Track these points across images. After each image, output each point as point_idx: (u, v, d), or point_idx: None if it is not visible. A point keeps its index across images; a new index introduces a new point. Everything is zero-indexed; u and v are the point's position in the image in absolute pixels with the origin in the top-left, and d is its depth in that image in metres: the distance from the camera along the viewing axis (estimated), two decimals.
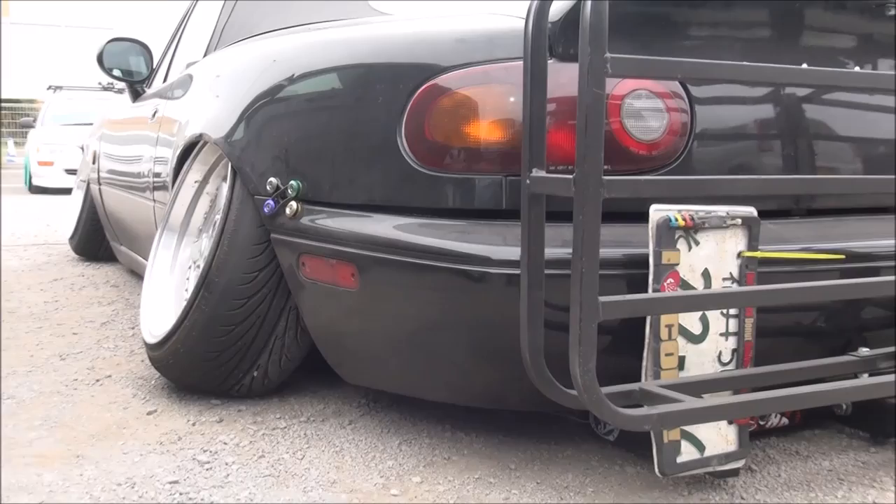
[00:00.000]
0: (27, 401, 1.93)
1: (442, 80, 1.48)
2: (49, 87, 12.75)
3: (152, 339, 1.97)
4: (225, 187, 1.90)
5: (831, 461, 1.59)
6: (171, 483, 1.49)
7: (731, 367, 1.44)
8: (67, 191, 5.02)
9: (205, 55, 2.59)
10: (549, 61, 1.39)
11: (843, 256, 1.48)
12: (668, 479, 1.47)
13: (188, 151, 2.19)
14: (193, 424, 1.78)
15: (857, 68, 1.61)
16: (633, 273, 1.38)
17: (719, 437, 1.42)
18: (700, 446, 1.40)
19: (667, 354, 1.38)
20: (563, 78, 1.37)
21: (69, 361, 2.29)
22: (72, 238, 4.43)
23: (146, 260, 2.28)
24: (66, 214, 4.74)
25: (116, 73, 3.31)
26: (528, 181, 1.25)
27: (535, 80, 1.25)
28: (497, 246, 1.39)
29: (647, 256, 1.37)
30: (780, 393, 1.34)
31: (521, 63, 1.29)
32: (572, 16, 1.36)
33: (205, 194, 2.18)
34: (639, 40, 1.46)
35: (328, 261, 1.61)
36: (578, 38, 1.12)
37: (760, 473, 1.53)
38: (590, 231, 1.13)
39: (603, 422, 1.51)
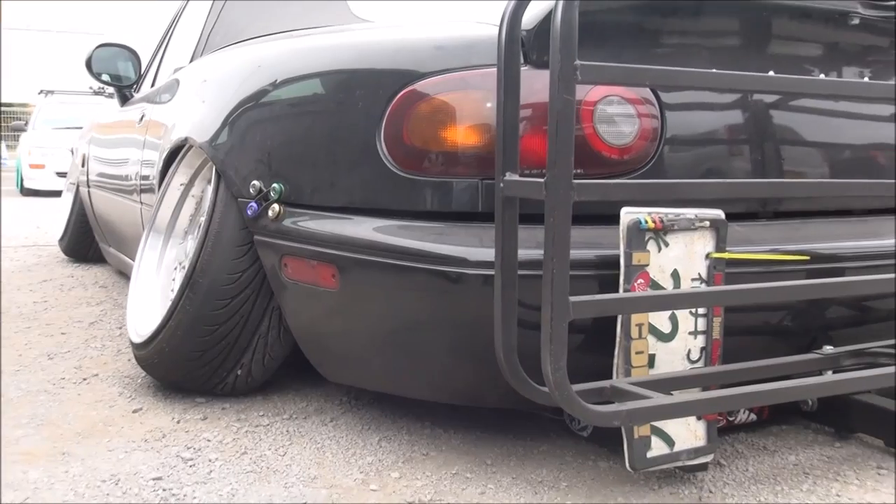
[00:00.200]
0: (15, 399, 1.92)
1: (420, 85, 1.49)
2: (41, 92, 12.67)
3: (138, 339, 1.96)
4: (210, 190, 1.90)
5: (797, 456, 1.61)
6: (154, 479, 1.48)
7: (699, 364, 1.45)
8: (58, 193, 5.00)
9: (191, 60, 2.58)
10: (525, 68, 1.40)
11: (807, 258, 1.50)
12: (639, 473, 1.48)
13: (174, 155, 2.18)
14: (178, 422, 1.78)
15: (821, 76, 1.63)
16: (605, 274, 1.39)
17: (688, 433, 1.43)
18: (670, 442, 1.41)
19: (637, 352, 1.39)
20: (537, 84, 1.38)
21: (57, 361, 2.28)
22: (61, 240, 4.40)
23: (134, 261, 2.27)
24: (56, 216, 4.72)
25: (105, 77, 3.30)
26: (501, 184, 1.26)
27: (508, 87, 1.25)
28: (473, 247, 1.40)
29: (618, 257, 1.38)
30: (747, 389, 1.35)
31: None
32: (545, 24, 1.37)
33: (190, 197, 2.18)
34: (612, 48, 1.47)
35: (309, 262, 1.61)
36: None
37: (729, 468, 1.55)
38: (560, 233, 1.14)
39: (577, 418, 1.52)
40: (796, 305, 1.55)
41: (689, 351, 1.44)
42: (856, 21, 1.51)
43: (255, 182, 1.71)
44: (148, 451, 1.61)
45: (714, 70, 1.29)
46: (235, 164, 1.79)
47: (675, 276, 1.41)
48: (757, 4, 1.51)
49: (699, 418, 1.44)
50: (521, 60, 1.41)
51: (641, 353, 1.39)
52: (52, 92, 12.37)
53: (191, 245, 2.07)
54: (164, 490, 1.44)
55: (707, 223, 1.42)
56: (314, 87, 1.73)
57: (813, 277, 1.50)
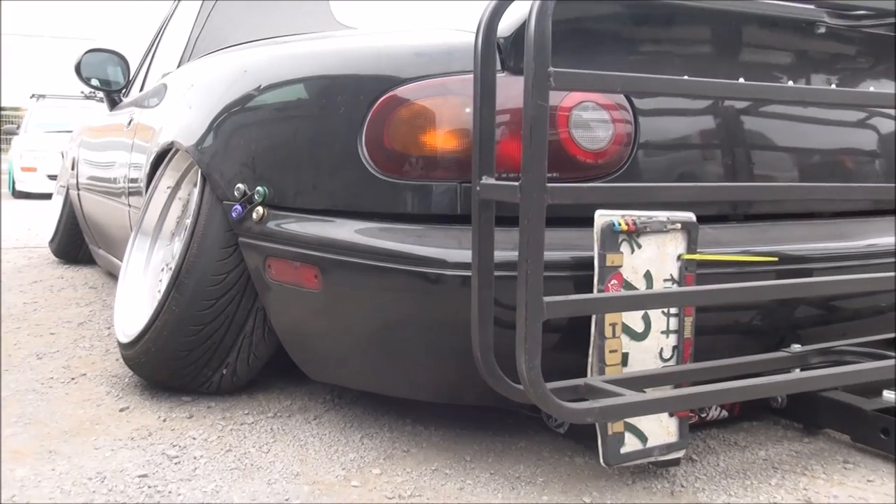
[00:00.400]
0: (3, 399, 1.90)
1: (401, 91, 1.49)
2: (32, 96, 12.58)
3: (125, 339, 1.95)
4: (196, 193, 1.89)
5: (767, 451, 1.62)
6: (140, 477, 1.48)
7: (671, 362, 1.46)
8: (50, 196, 4.97)
9: (179, 65, 2.58)
10: (502, 74, 1.41)
11: (776, 259, 1.51)
12: (613, 468, 1.49)
13: (161, 158, 2.18)
14: (164, 420, 1.77)
15: (790, 82, 1.64)
16: (580, 275, 1.40)
17: (661, 429, 1.44)
18: (643, 438, 1.42)
19: (611, 351, 1.40)
20: (514, 90, 1.38)
21: (46, 360, 2.27)
22: (52, 241, 4.38)
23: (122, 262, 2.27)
24: (46, 219, 4.69)
25: (94, 82, 3.29)
26: (478, 188, 1.27)
27: (484, 92, 1.26)
28: (452, 249, 1.41)
29: (592, 259, 1.38)
30: (717, 387, 1.36)
31: None
32: (522, 32, 1.37)
33: (177, 199, 2.17)
34: (587, 55, 1.48)
35: (293, 263, 1.61)
36: None
37: (700, 463, 1.56)
38: (534, 235, 1.14)
39: (553, 416, 1.53)
40: (765, 305, 1.57)
41: (662, 349, 1.46)
42: (822, 30, 1.53)
43: (240, 185, 1.71)
44: (134, 449, 1.61)
45: (683, 77, 1.30)
46: (220, 168, 1.79)
47: (648, 276, 1.42)
48: (728, 13, 1.52)
49: (671, 415, 1.45)
50: (499, 67, 1.42)
51: (615, 351, 1.40)
52: (43, 96, 12.29)
53: (177, 247, 2.06)
54: (149, 487, 1.44)
55: (679, 225, 1.44)
56: (297, 93, 1.73)
57: (781, 278, 1.52)
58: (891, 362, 1.51)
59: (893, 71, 1.81)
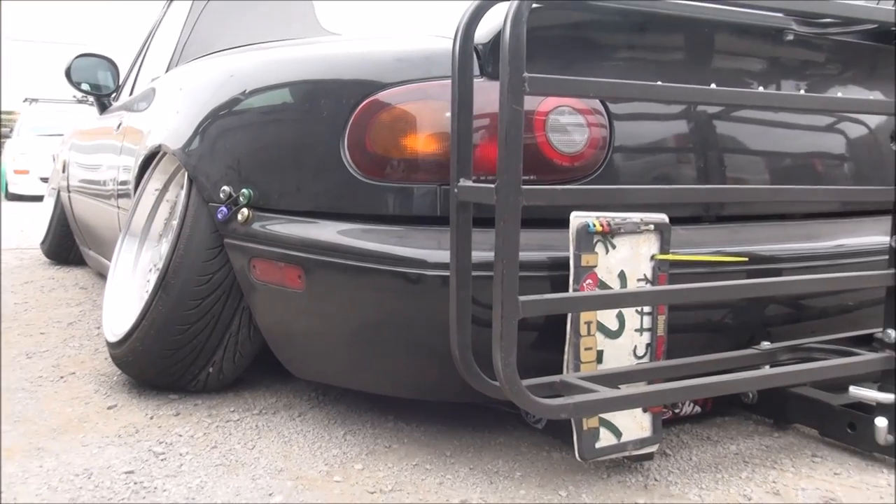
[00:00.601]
0: None
1: (382, 95, 1.50)
2: (25, 100, 12.51)
3: (113, 338, 1.95)
4: (182, 195, 1.89)
5: (738, 445, 1.63)
6: (126, 473, 1.47)
7: (645, 360, 1.47)
8: (42, 198, 4.95)
9: (167, 70, 2.57)
10: (481, 80, 1.42)
11: (746, 259, 1.52)
12: (588, 462, 1.50)
13: (149, 161, 2.17)
14: (151, 418, 1.77)
15: (760, 88, 1.66)
16: (556, 274, 1.41)
17: (635, 425, 1.45)
18: (617, 433, 1.43)
19: (586, 349, 1.41)
20: (491, 95, 1.38)
21: (35, 360, 2.25)
22: (43, 243, 4.35)
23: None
24: (38, 220, 4.66)
25: (84, 87, 3.27)
26: (455, 190, 1.27)
27: (461, 97, 1.27)
28: (432, 250, 1.41)
29: (568, 259, 1.39)
30: (688, 383, 1.37)
31: None
32: (500, 38, 1.38)
33: (165, 201, 2.17)
34: (565, 61, 1.49)
35: (277, 264, 1.61)
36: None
37: (674, 457, 1.57)
38: (510, 235, 1.15)
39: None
40: (736, 304, 1.58)
41: (636, 347, 1.47)
42: (790, 37, 1.54)
43: (226, 187, 1.71)
44: (121, 446, 1.60)
45: (656, 83, 1.31)
46: (206, 170, 1.79)
47: (622, 276, 1.43)
48: (699, 21, 1.53)
49: (645, 410, 1.46)
50: (478, 72, 1.43)
51: (590, 349, 1.41)
52: (36, 100, 12.23)
53: (165, 248, 2.06)
54: (135, 483, 1.43)
55: (652, 227, 1.45)
56: (282, 97, 1.73)
57: (752, 278, 1.53)
58: (857, 359, 1.53)
59: (861, 77, 1.83)
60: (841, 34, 1.55)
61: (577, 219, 1.38)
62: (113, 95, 3.35)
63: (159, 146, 2.05)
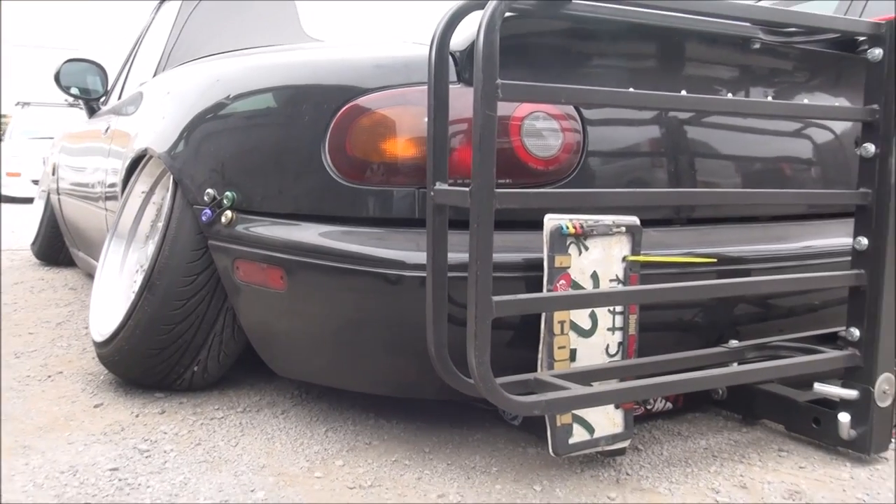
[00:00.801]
0: None
1: (362, 101, 1.50)
2: (17, 104, 12.41)
3: (100, 338, 1.94)
4: (168, 197, 1.89)
5: (707, 440, 1.65)
6: (111, 470, 1.47)
7: (617, 358, 1.48)
8: (33, 200, 4.92)
9: (154, 75, 2.56)
10: (458, 86, 1.43)
11: (714, 260, 1.54)
12: (562, 458, 1.50)
13: (136, 164, 2.16)
14: (137, 416, 1.76)
15: (728, 95, 1.67)
16: (531, 275, 1.41)
17: (607, 421, 1.46)
18: (590, 429, 1.44)
19: (559, 347, 1.41)
20: (468, 101, 1.37)
21: (23, 359, 2.24)
22: (33, 244, 4.32)
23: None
24: (28, 222, 4.63)
25: (74, 91, 3.25)
26: (432, 193, 1.28)
27: (437, 103, 1.27)
28: (411, 251, 1.42)
29: (542, 260, 1.40)
30: (658, 380, 1.39)
31: None
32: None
33: (151, 204, 2.16)
34: (540, 68, 1.50)
35: (259, 265, 1.61)
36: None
37: (645, 452, 1.58)
38: (484, 237, 1.16)
39: None
40: (705, 303, 1.59)
41: (608, 346, 1.48)
42: (757, 46, 1.56)
43: (210, 190, 1.71)
44: (106, 444, 1.60)
45: (624, 90, 1.32)
46: (191, 174, 1.78)
47: (595, 277, 1.44)
48: (670, 29, 1.54)
49: (617, 407, 1.47)
50: (455, 79, 1.44)
51: (563, 347, 1.42)
52: (28, 104, 12.13)
53: (151, 249, 2.05)
54: (119, 480, 1.43)
55: (624, 229, 1.46)
56: (265, 102, 1.73)
57: (721, 278, 1.55)
58: (821, 356, 1.55)
59: (827, 84, 1.85)
60: (805, 43, 1.57)
61: (550, 221, 1.39)
62: (102, 99, 3.33)
63: (146, 150, 2.05)
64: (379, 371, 1.60)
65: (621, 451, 1.51)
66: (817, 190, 1.81)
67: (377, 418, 1.75)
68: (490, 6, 1.14)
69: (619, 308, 1.47)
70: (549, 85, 1.23)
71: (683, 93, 1.55)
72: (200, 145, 1.80)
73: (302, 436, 1.65)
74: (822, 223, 1.84)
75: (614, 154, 1.58)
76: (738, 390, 1.70)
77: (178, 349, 1.81)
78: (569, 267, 1.41)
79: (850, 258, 1.58)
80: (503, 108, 1.43)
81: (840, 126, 1.86)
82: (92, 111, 3.40)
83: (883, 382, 1.52)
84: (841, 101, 1.87)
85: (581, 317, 1.44)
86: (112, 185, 2.53)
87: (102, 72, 3.23)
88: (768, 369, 1.52)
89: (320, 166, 1.52)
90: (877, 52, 1.50)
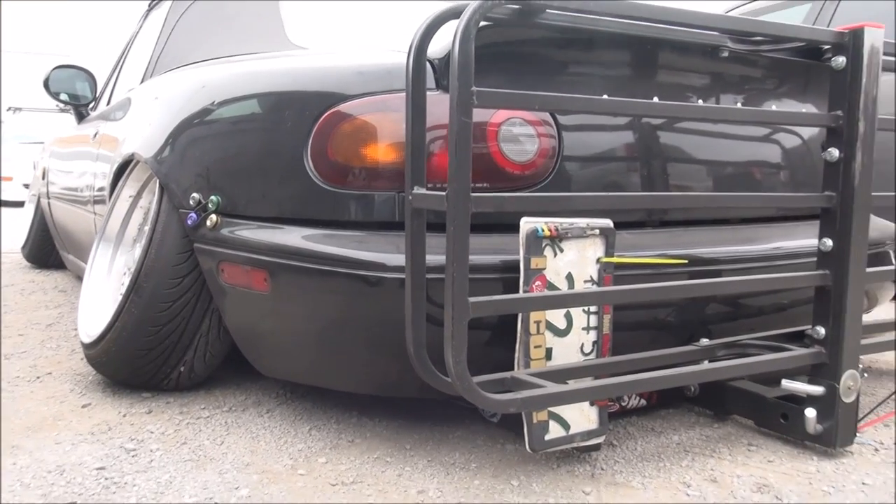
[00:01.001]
0: None
1: (343, 107, 1.50)
2: (9, 109, 12.30)
3: (88, 339, 1.93)
4: (154, 201, 1.88)
5: (680, 436, 1.66)
6: (97, 469, 1.46)
7: (592, 356, 1.49)
8: (24, 203, 4.89)
9: (142, 81, 2.55)
10: (436, 93, 1.43)
11: (685, 261, 1.55)
12: (539, 454, 1.51)
13: (123, 169, 2.15)
14: (124, 416, 1.75)
15: (699, 101, 1.69)
16: (508, 276, 1.42)
17: (582, 418, 1.47)
18: (566, 425, 1.45)
19: (536, 347, 1.42)
20: (446, 107, 1.38)
21: (13, 361, 2.22)
22: (24, 247, 4.29)
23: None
24: (19, 225, 4.59)
25: (63, 97, 3.23)
26: (410, 197, 1.28)
27: (415, 109, 1.28)
28: (391, 254, 1.42)
29: (519, 262, 1.41)
30: (630, 378, 1.40)
31: None
32: None
33: (139, 208, 2.15)
34: (517, 75, 1.51)
35: (244, 267, 1.61)
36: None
37: (620, 447, 1.59)
38: (460, 240, 1.16)
39: None
40: (677, 303, 1.60)
41: (583, 345, 1.48)
42: (725, 54, 1.57)
43: (195, 194, 1.71)
44: (94, 444, 1.59)
45: (596, 96, 1.33)
46: (177, 178, 1.78)
47: (570, 278, 1.45)
48: (643, 38, 1.55)
49: (592, 404, 1.48)
50: (434, 86, 1.45)
51: (539, 347, 1.43)
52: (20, 109, 12.03)
53: (138, 252, 2.04)
54: (105, 479, 1.42)
55: (598, 231, 1.47)
56: (249, 108, 1.73)
57: (692, 279, 1.56)
58: (789, 354, 1.56)
59: (794, 91, 1.87)
60: (772, 51, 1.58)
61: (526, 224, 1.40)
62: (90, 105, 3.31)
63: (133, 154, 2.04)
64: (361, 370, 1.60)
65: (596, 447, 1.52)
66: (784, 193, 1.82)
67: (360, 416, 1.75)
68: (465, 16, 1.15)
69: (593, 308, 1.48)
70: (523, 92, 1.24)
71: (656, 99, 1.56)
72: (186, 150, 1.80)
73: (286, 434, 1.65)
74: (790, 225, 1.86)
75: (589, 159, 1.59)
76: (710, 387, 1.71)
77: (164, 350, 1.81)
78: (544, 268, 1.41)
79: (815, 259, 1.59)
80: (481, 115, 1.45)
81: (807, 131, 1.88)
82: (81, 117, 3.38)
83: (847, 379, 1.54)
84: (808, 108, 1.89)
85: (556, 317, 1.44)
86: (100, 190, 2.52)
87: (91, 78, 3.21)
88: (738, 366, 1.54)
89: (303, 171, 1.52)
90: (840, 60, 1.51)
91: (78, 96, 3.23)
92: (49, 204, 3.66)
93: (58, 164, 3.52)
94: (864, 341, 1.62)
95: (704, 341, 1.63)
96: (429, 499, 1.36)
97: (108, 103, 3.04)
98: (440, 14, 1.27)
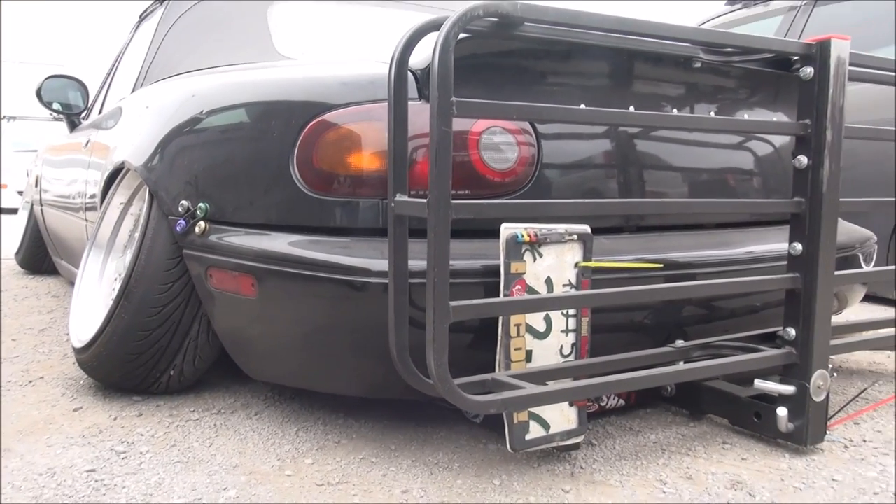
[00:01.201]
0: None
1: (329, 116, 1.50)
2: (4, 117, 12.21)
3: (79, 344, 1.92)
4: (144, 208, 1.87)
5: (657, 435, 1.67)
6: (88, 472, 1.45)
7: (571, 358, 1.50)
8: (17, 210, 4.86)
9: (133, 91, 2.54)
10: (418, 102, 1.44)
11: (661, 265, 1.56)
12: (520, 453, 1.52)
13: (114, 176, 2.15)
14: (115, 419, 1.75)
15: (674, 111, 1.70)
16: (489, 281, 1.42)
17: (562, 418, 1.47)
18: (546, 425, 1.46)
19: (516, 349, 1.43)
20: (427, 117, 1.40)
21: (6, 365, 2.21)
22: (17, 253, 4.26)
23: None
24: (12, 232, 4.56)
25: (56, 106, 3.21)
26: (392, 204, 1.29)
27: (397, 119, 1.28)
28: (375, 259, 1.42)
29: (499, 267, 1.41)
30: (609, 378, 1.40)
31: None
32: None
33: (129, 214, 2.14)
34: (497, 85, 1.52)
35: (232, 273, 1.60)
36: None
37: (599, 447, 1.59)
38: (441, 246, 1.17)
39: None
40: (653, 306, 1.61)
41: (562, 347, 1.49)
42: (698, 65, 1.58)
43: (184, 202, 1.70)
44: (84, 446, 1.58)
45: (572, 106, 1.34)
46: (166, 186, 1.77)
47: (549, 282, 1.45)
48: (618, 50, 1.56)
49: (571, 404, 1.48)
50: (417, 96, 1.45)
51: (520, 349, 1.43)
52: (14, 118, 11.96)
53: (129, 258, 2.03)
54: (96, 481, 1.42)
55: (576, 237, 1.47)
56: (237, 117, 1.73)
57: (668, 282, 1.57)
58: (761, 355, 1.57)
59: (766, 100, 1.89)
60: (743, 62, 1.60)
61: (506, 230, 1.41)
62: (82, 114, 3.30)
63: (123, 162, 2.03)
64: (347, 373, 1.60)
65: (576, 447, 1.53)
66: (756, 199, 1.84)
67: (346, 418, 1.75)
68: (444, 28, 1.16)
69: (571, 311, 1.49)
70: (501, 102, 1.24)
71: (632, 109, 1.57)
72: (175, 158, 1.79)
73: (274, 436, 1.65)
74: (763, 230, 1.88)
75: (567, 166, 1.60)
76: (686, 387, 1.72)
77: (154, 354, 1.80)
78: (524, 273, 1.42)
79: (786, 263, 1.61)
80: (463, 124, 1.46)
81: (778, 139, 1.90)
82: (73, 125, 3.36)
83: (818, 378, 1.55)
84: (779, 116, 1.90)
85: (536, 320, 1.45)
86: (92, 197, 2.50)
87: (83, 88, 3.19)
88: (713, 367, 1.55)
89: (289, 179, 1.52)
90: (808, 71, 1.53)
91: (70, 105, 3.22)
92: (42, 211, 3.64)
93: (50, 172, 3.50)
94: (833, 342, 1.63)
95: (680, 343, 1.64)
96: (413, 498, 1.36)
97: (100, 112, 3.03)
98: (421, 26, 1.27)
